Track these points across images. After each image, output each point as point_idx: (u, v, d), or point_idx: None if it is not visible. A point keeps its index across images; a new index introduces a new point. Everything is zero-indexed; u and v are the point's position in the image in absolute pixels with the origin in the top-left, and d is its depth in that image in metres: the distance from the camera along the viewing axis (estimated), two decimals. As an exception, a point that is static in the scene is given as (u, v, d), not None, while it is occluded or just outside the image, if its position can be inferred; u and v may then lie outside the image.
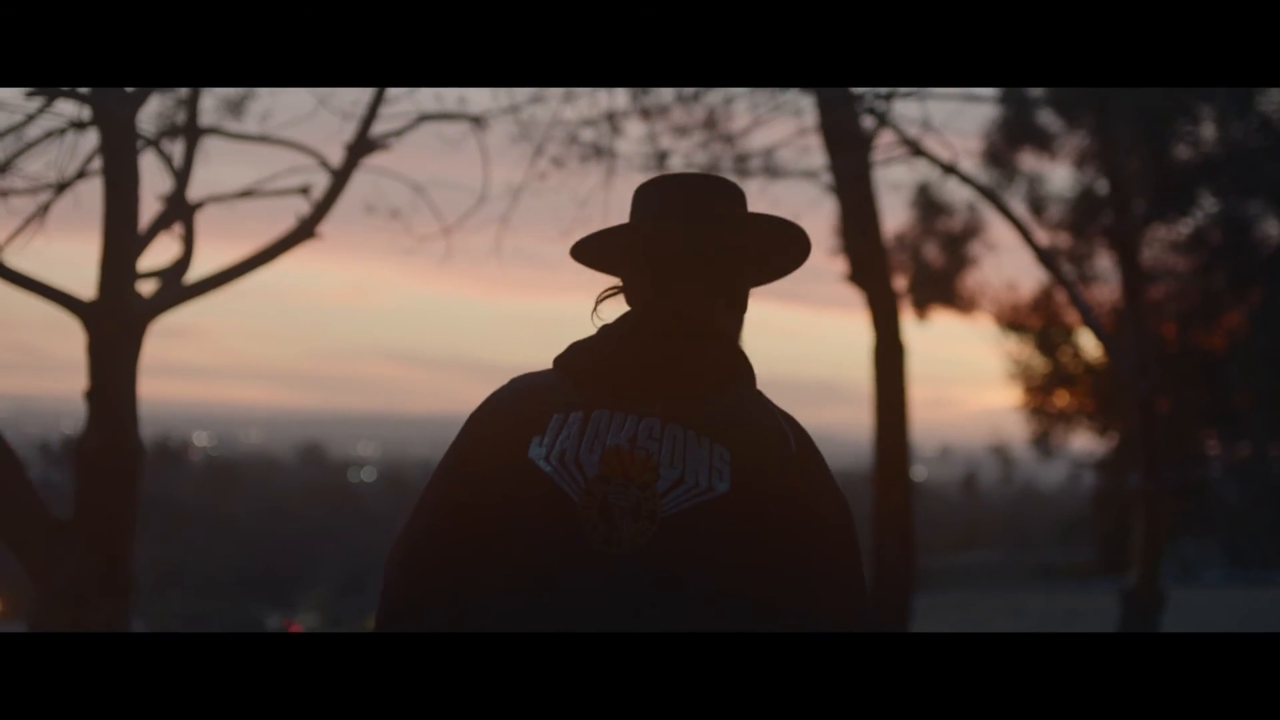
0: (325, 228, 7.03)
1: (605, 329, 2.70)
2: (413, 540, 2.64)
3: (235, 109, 8.59)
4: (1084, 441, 26.19)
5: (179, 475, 77.49)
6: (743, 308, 2.76)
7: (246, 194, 7.34)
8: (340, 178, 7.24)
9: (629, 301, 2.75)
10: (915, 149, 10.68)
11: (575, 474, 2.54)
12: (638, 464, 2.53)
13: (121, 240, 6.05)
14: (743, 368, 2.67)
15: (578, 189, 12.12)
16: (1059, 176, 24.67)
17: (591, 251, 2.75)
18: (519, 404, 2.65)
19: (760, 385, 2.70)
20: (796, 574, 2.51)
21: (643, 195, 2.75)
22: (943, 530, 46.49)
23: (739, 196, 2.75)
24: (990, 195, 12.62)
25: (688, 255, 2.67)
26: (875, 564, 12.01)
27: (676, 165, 12.24)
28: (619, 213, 11.09)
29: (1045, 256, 12.11)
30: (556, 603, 2.48)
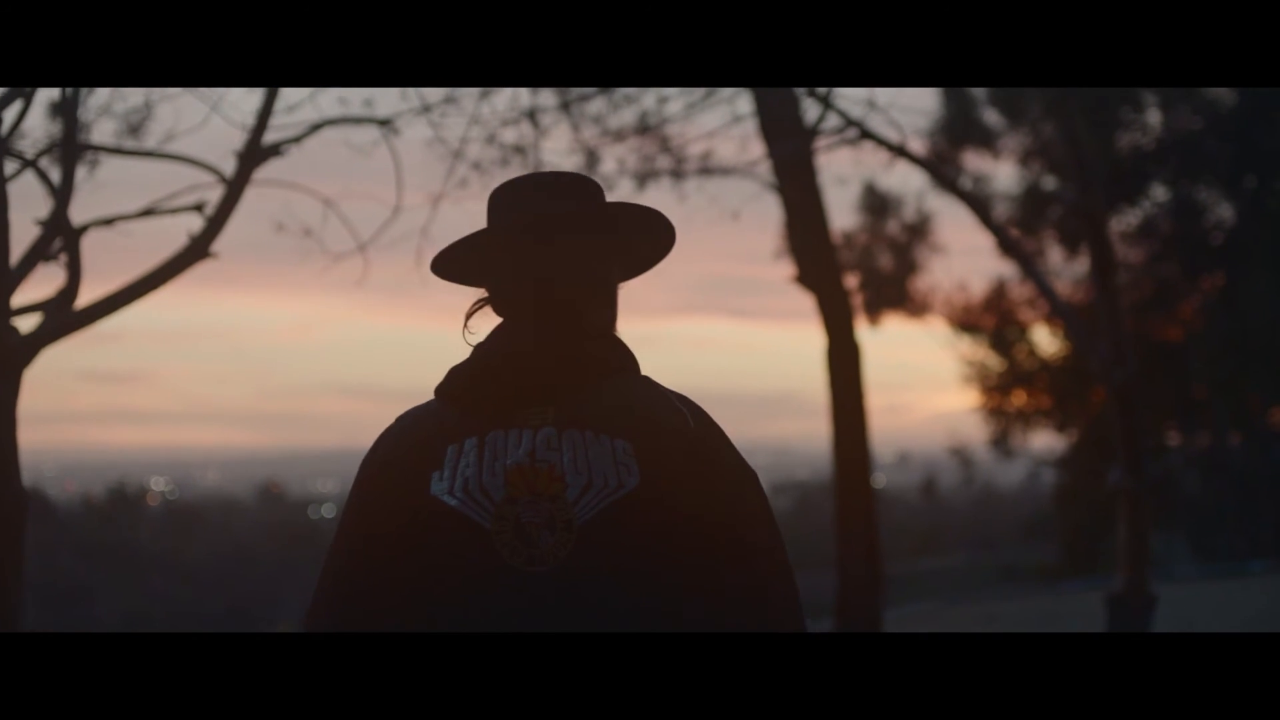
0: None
1: (479, 348, 2.65)
2: (326, 596, 2.58)
3: (133, 129, 8.01)
4: (1043, 440, 26.15)
5: (138, 521, 77.05)
6: (613, 302, 2.71)
7: (136, 215, 6.71)
8: (234, 189, 6.63)
9: (497, 311, 2.69)
10: (862, 131, 10.02)
11: (483, 501, 2.50)
12: (543, 477, 2.49)
13: None
14: (624, 358, 2.64)
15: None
16: (1003, 175, 24.61)
17: (452, 264, 2.69)
18: (410, 442, 2.59)
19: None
20: (724, 552, 2.49)
21: (496, 199, 2.70)
22: (904, 536, 46.46)
23: (596, 191, 2.71)
24: (943, 179, 12.23)
25: (549, 253, 2.62)
26: (840, 576, 11.54)
27: (609, 168, 11.90)
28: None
29: (1007, 243, 11.64)
30: (494, 629, 2.44)
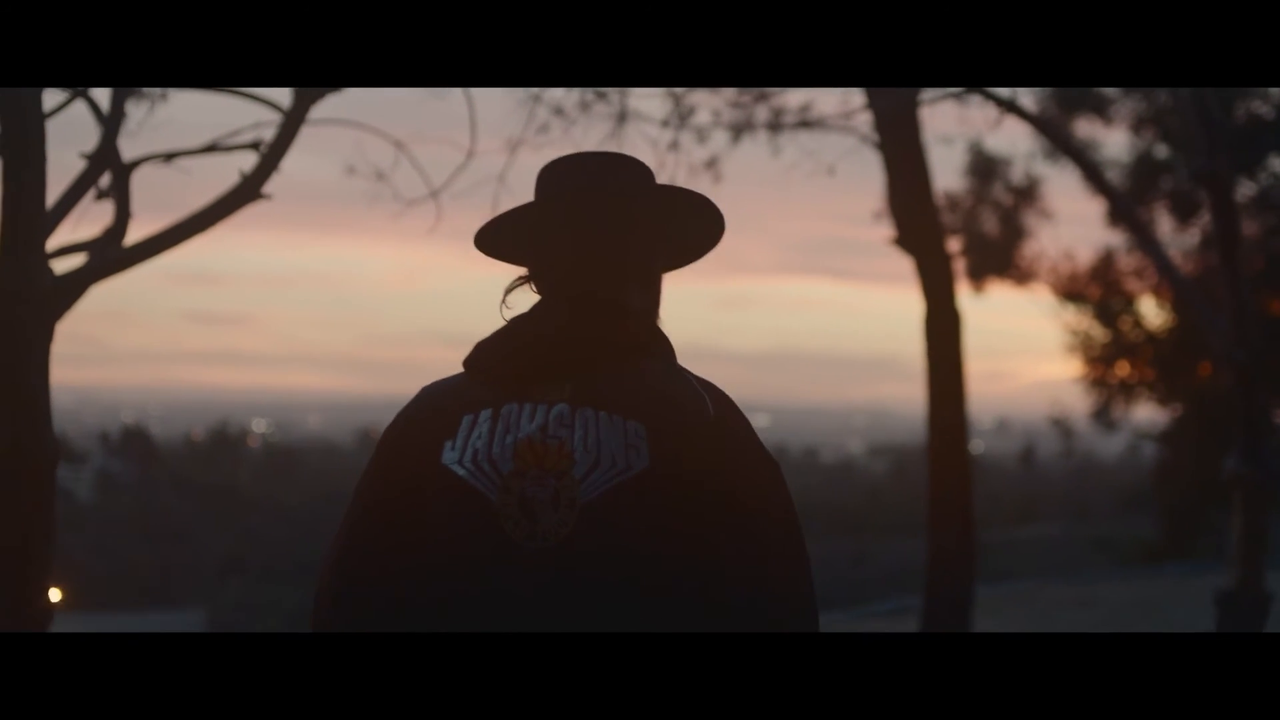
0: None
1: (510, 322, 2.66)
2: (338, 558, 2.62)
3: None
4: (1146, 413, 25.75)
5: (238, 463, 78.14)
6: (656, 288, 2.71)
7: (191, 153, 6.28)
8: (290, 124, 6.14)
9: (537, 290, 2.69)
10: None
11: (490, 472, 2.51)
12: (551, 453, 2.49)
13: (22, 205, 5.13)
14: (655, 342, 2.62)
15: (582, 142, 10.10)
16: (1114, 142, 24.27)
17: (494, 241, 2.71)
18: (429, 412, 2.62)
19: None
20: (730, 541, 2.46)
21: (543, 179, 2.69)
22: (1000, 504, 46.13)
23: (645, 172, 2.70)
24: (1055, 139, 11.40)
25: (591, 234, 2.63)
26: (931, 548, 11.07)
27: (702, 118, 11.22)
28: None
29: (1120, 209, 10.85)
30: (490, 604, 2.45)
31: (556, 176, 2.68)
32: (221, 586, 55.52)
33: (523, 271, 2.73)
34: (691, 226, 2.74)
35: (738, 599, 2.45)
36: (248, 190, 5.97)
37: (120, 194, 5.78)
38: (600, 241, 2.63)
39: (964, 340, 11.34)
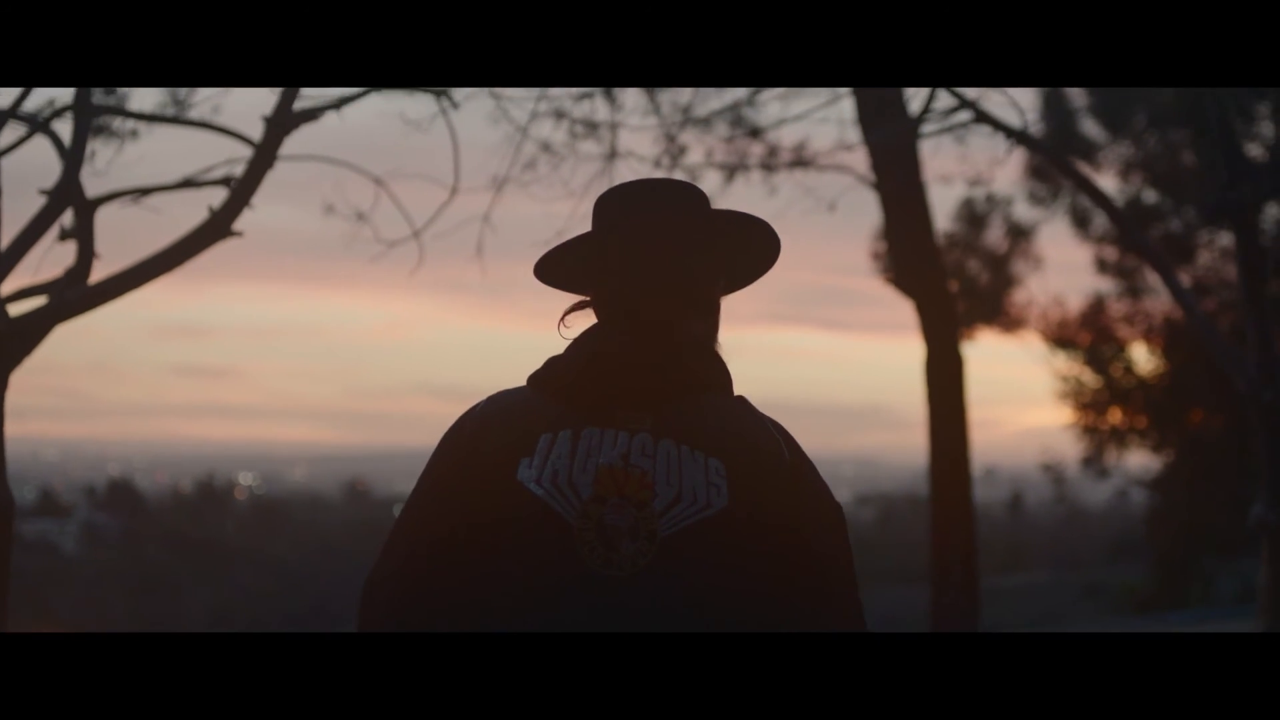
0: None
1: (579, 342, 2.64)
2: (394, 570, 2.55)
3: (176, 100, 7.04)
4: (1138, 459, 25.67)
5: (225, 516, 77.76)
6: (712, 313, 2.70)
7: (157, 190, 5.94)
8: (261, 158, 5.87)
9: (598, 315, 2.68)
10: (977, 114, 8.58)
11: (570, 495, 2.49)
12: (633, 482, 2.49)
13: None
14: (720, 375, 2.63)
15: (571, 180, 9.76)
16: (1102, 187, 24.23)
17: (556, 269, 2.70)
18: (502, 424, 2.57)
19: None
20: (801, 587, 2.50)
21: (604, 205, 2.69)
22: (989, 551, 45.97)
23: (701, 199, 2.70)
24: (1067, 169, 10.45)
25: (657, 265, 2.62)
26: (935, 599, 10.81)
27: (694, 159, 10.97)
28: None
29: (1138, 241, 10.06)
30: (556, 628, 2.44)
31: (617, 203, 2.68)
32: (209, 640, 55.32)
33: (575, 298, 2.73)
34: (749, 249, 2.74)
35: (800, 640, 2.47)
36: (217, 226, 5.70)
37: (83, 232, 5.53)
38: (664, 268, 2.62)
39: (966, 385, 11.08)
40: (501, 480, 2.51)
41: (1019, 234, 22.32)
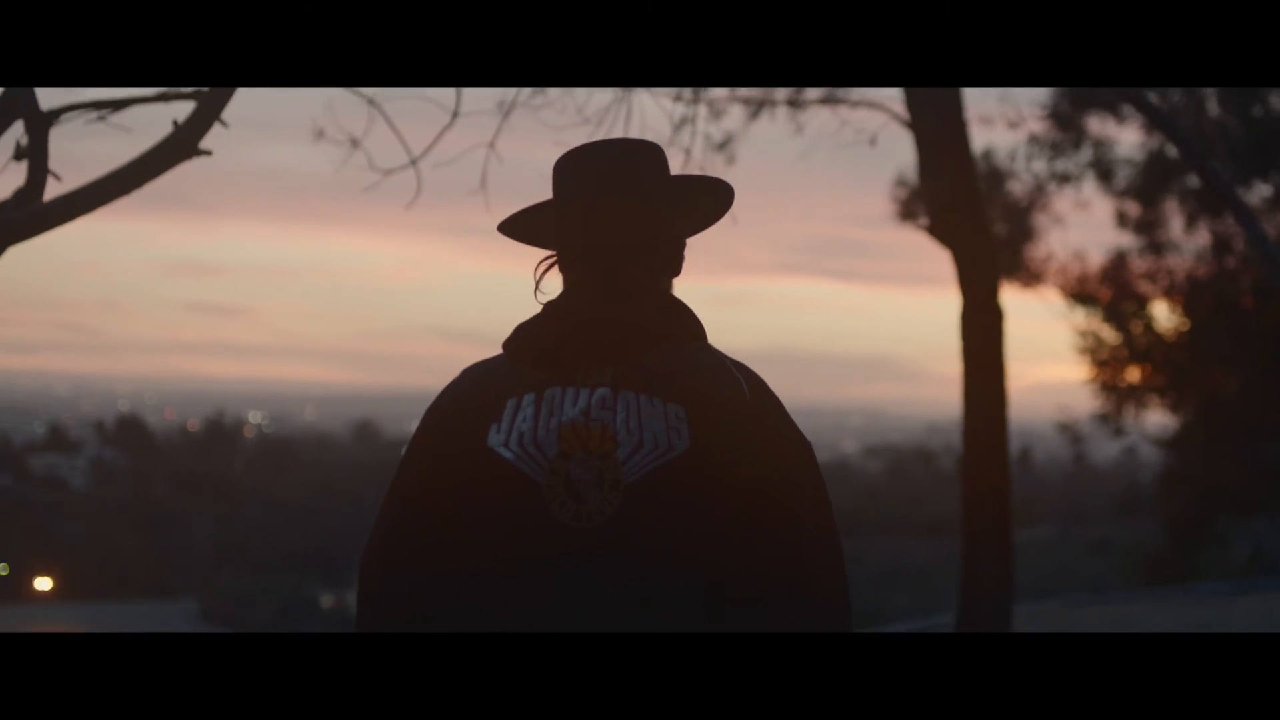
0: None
1: (547, 306, 2.74)
2: (383, 537, 2.68)
3: None
4: (1154, 418, 25.42)
5: (234, 454, 78.05)
6: (678, 266, 2.80)
7: (120, 104, 5.29)
8: None
9: (564, 273, 2.78)
10: None
11: (536, 455, 2.60)
12: (595, 436, 2.58)
13: None
14: (685, 323, 2.71)
15: (585, 104, 9.02)
16: (1125, 142, 23.70)
17: (520, 228, 2.79)
18: (472, 394, 2.70)
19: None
20: (767, 522, 2.55)
21: (564, 168, 2.78)
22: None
23: (659, 152, 2.80)
24: (1174, 134, 9.69)
25: (616, 215, 2.71)
26: (966, 564, 10.14)
27: (718, 91, 10.50)
28: (638, 134, 9.31)
29: (1215, 180, 9.44)
30: (536, 582, 2.53)
31: (575, 164, 2.76)
32: (215, 576, 55.52)
33: (545, 254, 2.81)
34: (704, 197, 2.82)
35: (774, 578, 2.54)
36: (182, 143, 5.02)
37: (36, 149, 4.95)
38: (625, 222, 2.72)
39: (1005, 340, 10.40)
40: (474, 448, 2.63)
41: (1040, 187, 21.96)
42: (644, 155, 2.78)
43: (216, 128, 5.01)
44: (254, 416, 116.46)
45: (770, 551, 2.54)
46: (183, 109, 5.05)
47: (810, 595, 2.55)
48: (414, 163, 7.03)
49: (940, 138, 10.14)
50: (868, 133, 10.51)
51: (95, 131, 5.22)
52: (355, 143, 7.18)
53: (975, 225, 10.42)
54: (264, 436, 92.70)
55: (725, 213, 2.85)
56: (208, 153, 5.09)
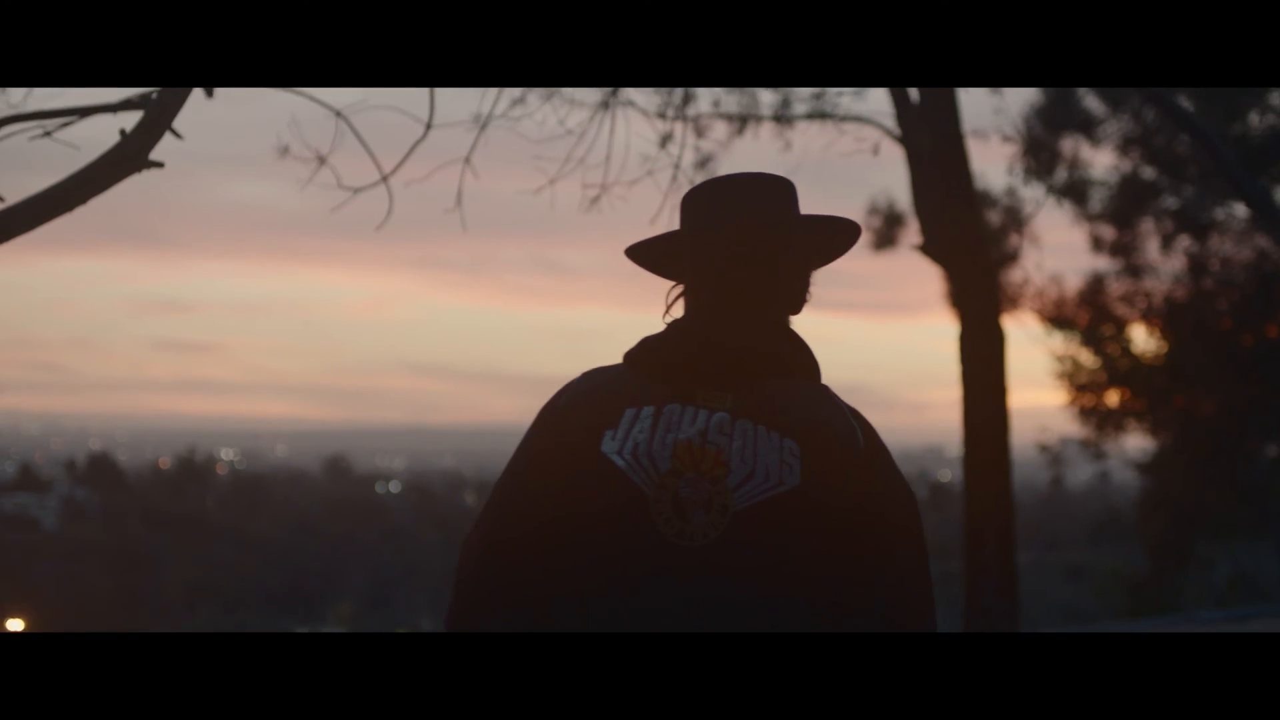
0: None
1: (672, 325, 2.78)
2: (486, 534, 2.71)
3: None
4: (1133, 441, 25.34)
5: (206, 491, 77.65)
6: (803, 302, 2.82)
7: (61, 114, 4.90)
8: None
9: (691, 298, 2.81)
10: None
11: (648, 468, 2.62)
12: (709, 458, 2.61)
13: None
14: (806, 362, 2.76)
15: (567, 119, 8.73)
16: (1099, 164, 23.64)
17: (649, 252, 2.86)
18: (592, 399, 2.72)
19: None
20: (866, 569, 2.61)
21: (700, 198, 2.82)
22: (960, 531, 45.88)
23: (793, 192, 2.84)
24: (1206, 142, 9.02)
25: (752, 256, 2.75)
26: (969, 602, 9.88)
27: (703, 106, 10.31)
28: (620, 152, 9.00)
29: (1243, 183, 9.01)
30: (631, 592, 2.57)
31: (712, 195, 2.81)
32: (188, 614, 55.13)
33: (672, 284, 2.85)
34: (832, 233, 2.84)
35: (865, 619, 2.59)
36: (129, 153, 4.54)
37: None
38: (759, 255, 2.75)
39: (1007, 363, 10.05)
40: (587, 451, 2.66)
41: (1015, 213, 21.86)
42: (780, 190, 2.83)
43: (172, 141, 4.59)
44: (226, 454, 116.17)
45: (866, 593, 2.61)
46: (132, 120, 4.62)
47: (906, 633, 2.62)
48: (385, 179, 6.70)
49: (935, 152, 9.85)
50: (855, 150, 10.30)
51: (46, 154, 4.88)
52: (322, 159, 6.81)
53: (972, 242, 10.13)
54: (236, 474, 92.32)
55: (850, 248, 2.89)
56: (159, 164, 4.63)
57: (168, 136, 4.56)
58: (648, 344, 2.76)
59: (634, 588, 2.58)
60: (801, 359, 2.76)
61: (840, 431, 2.67)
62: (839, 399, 2.75)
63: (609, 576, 2.59)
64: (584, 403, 2.72)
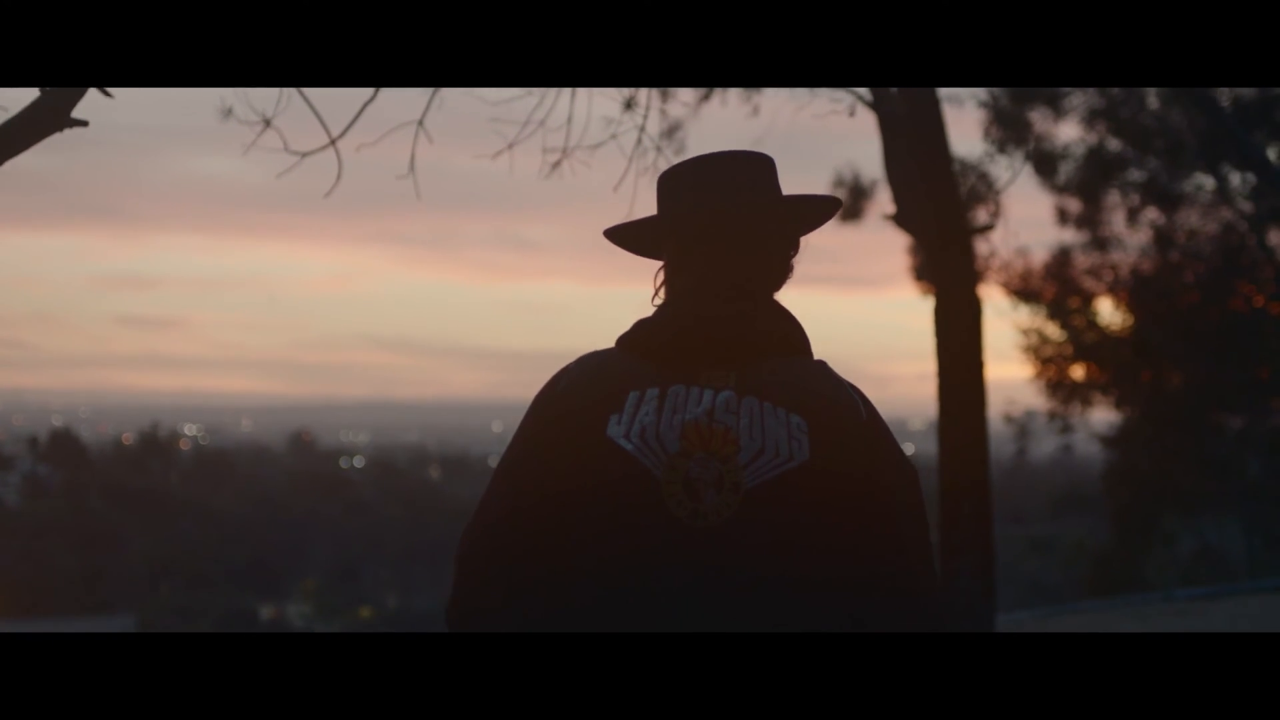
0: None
1: (667, 306, 2.78)
2: (490, 521, 2.67)
3: None
4: (1099, 414, 25.37)
5: (169, 467, 77.33)
6: (786, 278, 2.84)
7: None
8: None
9: (674, 279, 2.81)
10: None
11: (657, 449, 2.61)
12: (718, 437, 2.61)
13: None
14: (802, 339, 2.77)
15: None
16: (1064, 135, 23.58)
17: (629, 236, 2.87)
18: (591, 382, 2.70)
19: None
20: (875, 540, 2.62)
21: (677, 179, 2.83)
22: (929, 504, 45.91)
23: (773, 168, 2.85)
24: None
25: (736, 233, 2.76)
26: (948, 581, 9.79)
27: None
28: (581, 115, 8.76)
29: (1243, 144, 8.60)
30: (648, 576, 2.57)
31: (690, 175, 2.82)
32: (152, 591, 54.94)
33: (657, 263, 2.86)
34: (813, 207, 2.86)
35: (879, 588, 2.60)
36: (52, 109, 4.23)
37: None
38: (742, 232, 2.77)
39: (984, 336, 9.68)
40: (592, 436, 2.64)
41: (984, 182, 21.79)
42: (762, 168, 2.84)
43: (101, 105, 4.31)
44: (189, 429, 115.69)
45: (879, 563, 2.62)
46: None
47: (912, 606, 2.64)
48: (334, 142, 6.48)
49: (910, 117, 9.46)
50: (829, 111, 9.97)
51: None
52: (267, 121, 6.44)
53: (949, 211, 9.70)
54: (199, 449, 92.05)
55: (830, 218, 2.90)
56: (83, 123, 4.31)
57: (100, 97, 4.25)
58: (643, 326, 2.75)
59: (648, 571, 2.57)
60: (795, 334, 2.76)
61: (843, 405, 2.69)
62: (836, 373, 2.76)
63: (622, 561, 2.58)
64: (584, 387, 2.70)
